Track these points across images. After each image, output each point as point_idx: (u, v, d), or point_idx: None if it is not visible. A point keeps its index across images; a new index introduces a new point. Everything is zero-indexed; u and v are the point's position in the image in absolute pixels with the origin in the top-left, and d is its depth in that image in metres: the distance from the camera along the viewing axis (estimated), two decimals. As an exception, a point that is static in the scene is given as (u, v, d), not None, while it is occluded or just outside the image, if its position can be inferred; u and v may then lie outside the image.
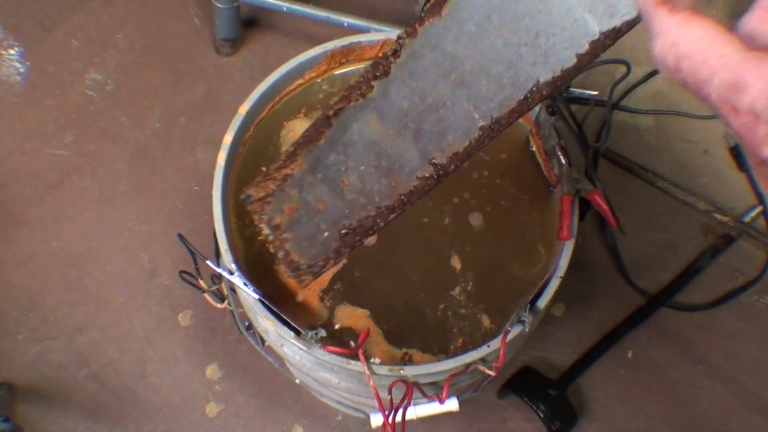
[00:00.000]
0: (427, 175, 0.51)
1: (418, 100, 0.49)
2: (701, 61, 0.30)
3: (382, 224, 0.53)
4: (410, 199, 0.52)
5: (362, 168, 0.52)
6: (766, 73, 0.27)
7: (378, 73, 0.49)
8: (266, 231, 0.56)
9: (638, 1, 0.34)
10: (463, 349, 0.66)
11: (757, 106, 0.27)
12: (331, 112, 0.51)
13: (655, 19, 0.32)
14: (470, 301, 0.69)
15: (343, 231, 0.54)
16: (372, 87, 0.50)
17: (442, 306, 0.68)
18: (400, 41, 0.48)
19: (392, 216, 0.53)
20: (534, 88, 0.46)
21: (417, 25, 0.48)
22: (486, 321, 0.68)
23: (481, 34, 0.46)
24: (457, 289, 0.69)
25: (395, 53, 0.48)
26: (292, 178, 0.53)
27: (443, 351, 0.67)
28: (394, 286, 0.69)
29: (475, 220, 0.72)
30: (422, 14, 0.47)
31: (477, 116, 0.48)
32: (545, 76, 0.45)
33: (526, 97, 0.46)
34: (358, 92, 0.50)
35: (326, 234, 0.54)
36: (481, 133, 0.49)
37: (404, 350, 0.66)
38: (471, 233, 0.71)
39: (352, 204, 0.53)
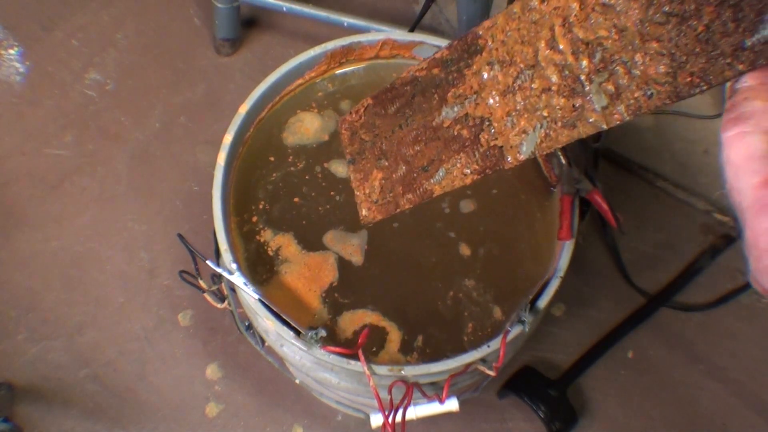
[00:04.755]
0: None
1: None
2: None
3: None
4: None
5: None
6: None
7: None
8: None
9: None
10: (474, 336, 0.66)
11: None
12: None
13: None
14: (481, 288, 0.69)
15: None
16: None
17: (451, 293, 0.69)
18: None
19: None
20: None
21: None
22: (497, 312, 0.68)
23: None
24: (468, 276, 0.69)
25: None
26: None
27: (456, 339, 0.67)
28: (400, 281, 0.69)
29: (475, 214, 0.72)
30: None
31: None
32: None
33: None
34: None
35: None
36: None
37: (416, 342, 0.66)
38: (471, 228, 0.71)
39: None
